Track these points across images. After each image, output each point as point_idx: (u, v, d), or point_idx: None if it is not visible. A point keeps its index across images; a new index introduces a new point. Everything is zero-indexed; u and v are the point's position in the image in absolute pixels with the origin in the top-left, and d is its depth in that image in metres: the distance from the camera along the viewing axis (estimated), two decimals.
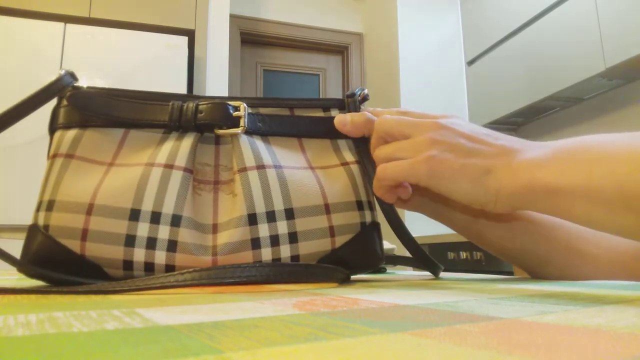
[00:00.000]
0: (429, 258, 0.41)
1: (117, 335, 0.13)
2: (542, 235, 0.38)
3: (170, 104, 0.36)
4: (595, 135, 0.29)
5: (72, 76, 0.36)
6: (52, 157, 0.34)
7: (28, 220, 0.34)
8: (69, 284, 0.30)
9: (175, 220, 0.32)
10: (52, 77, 0.35)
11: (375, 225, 0.38)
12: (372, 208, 0.38)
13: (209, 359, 0.10)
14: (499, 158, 0.31)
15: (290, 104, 0.39)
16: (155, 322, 0.16)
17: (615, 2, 1.60)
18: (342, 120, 0.39)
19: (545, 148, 0.30)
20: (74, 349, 0.11)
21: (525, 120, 2.25)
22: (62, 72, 0.36)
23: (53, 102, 0.36)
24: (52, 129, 0.36)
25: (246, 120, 0.36)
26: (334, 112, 0.40)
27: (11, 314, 0.17)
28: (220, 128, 0.36)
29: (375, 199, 0.38)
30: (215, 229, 0.34)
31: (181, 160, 0.34)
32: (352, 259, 0.36)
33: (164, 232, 0.32)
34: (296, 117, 0.39)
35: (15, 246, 0.61)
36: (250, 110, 0.37)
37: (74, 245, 0.31)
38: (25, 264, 0.31)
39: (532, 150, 0.31)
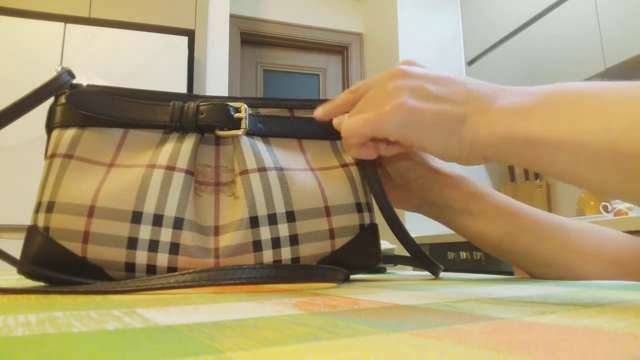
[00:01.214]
0: (428, 258, 0.41)
1: (117, 335, 0.13)
2: (541, 236, 0.38)
3: (171, 104, 0.36)
4: (586, 82, 0.26)
5: (70, 74, 0.36)
6: (51, 156, 0.34)
7: (28, 220, 0.33)
8: (69, 284, 0.30)
9: (178, 223, 0.32)
10: (50, 76, 0.35)
11: (373, 227, 0.38)
12: (370, 209, 0.38)
13: (209, 359, 0.10)
14: (473, 104, 0.29)
15: (290, 104, 0.39)
16: (155, 322, 0.16)
17: (615, 2, 1.60)
18: (340, 119, 0.39)
19: (526, 94, 0.28)
20: (74, 349, 0.11)
21: None
22: (60, 69, 0.35)
23: (51, 100, 0.36)
24: (49, 127, 0.35)
25: (247, 121, 0.36)
26: None
27: (11, 314, 0.17)
28: (222, 129, 0.36)
29: (373, 200, 0.38)
30: (216, 231, 0.34)
31: (182, 162, 0.34)
32: (351, 260, 0.36)
33: (166, 235, 0.32)
34: (296, 118, 0.39)
35: (15, 246, 0.61)
36: (250, 111, 0.37)
37: (75, 247, 0.31)
38: (25, 265, 0.31)
39: (511, 97, 0.28)
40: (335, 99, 0.38)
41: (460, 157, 0.30)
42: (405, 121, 0.30)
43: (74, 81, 0.36)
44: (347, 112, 0.37)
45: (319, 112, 0.38)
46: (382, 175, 0.43)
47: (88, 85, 0.36)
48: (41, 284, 0.33)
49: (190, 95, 0.37)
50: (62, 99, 0.35)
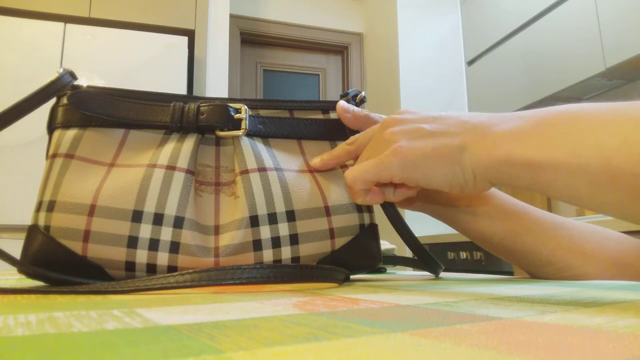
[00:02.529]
0: (430, 256, 0.41)
1: (117, 335, 0.13)
2: (543, 236, 0.38)
3: (172, 104, 0.36)
4: (578, 104, 0.27)
5: (72, 75, 0.36)
6: (52, 156, 0.34)
7: (28, 220, 0.34)
8: (69, 284, 0.30)
9: (178, 222, 0.32)
10: (52, 77, 0.35)
11: (373, 227, 0.38)
12: (370, 210, 0.38)
13: (209, 359, 0.10)
14: (470, 133, 0.30)
15: (290, 106, 0.39)
16: (155, 322, 0.16)
17: (615, 2, 1.60)
18: (345, 106, 0.39)
19: (522, 118, 0.28)
20: (74, 349, 0.11)
21: None
22: (62, 71, 0.35)
23: (53, 100, 0.36)
24: (51, 128, 0.36)
25: (247, 122, 0.36)
26: (333, 115, 0.40)
27: (11, 314, 0.17)
28: (222, 130, 0.36)
29: None
30: (217, 230, 0.34)
31: (183, 161, 0.34)
32: (351, 260, 0.36)
33: (166, 234, 0.32)
34: (296, 119, 0.39)
35: (15, 246, 0.61)
36: (250, 112, 0.38)
37: (75, 246, 0.31)
38: (26, 265, 0.31)
39: (507, 122, 0.29)
40: (333, 150, 0.38)
41: (466, 185, 0.30)
42: (406, 162, 0.31)
43: (76, 82, 0.36)
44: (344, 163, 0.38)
45: (316, 162, 0.38)
46: None
47: (89, 86, 0.36)
48: (41, 284, 0.33)
49: (190, 96, 0.37)
50: (64, 100, 0.35)
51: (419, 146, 0.31)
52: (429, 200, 0.42)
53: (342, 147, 0.38)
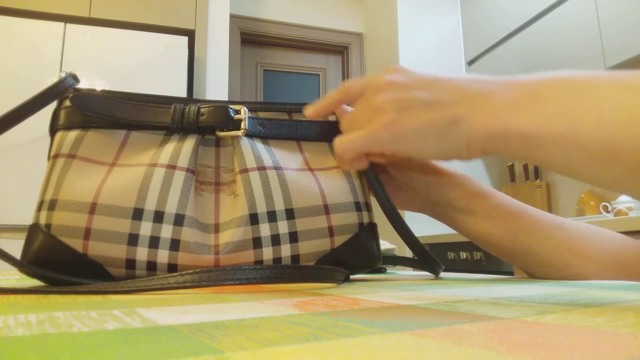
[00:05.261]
0: (430, 256, 0.41)
1: (117, 335, 0.13)
2: (541, 236, 0.38)
3: (172, 106, 0.36)
4: (581, 73, 0.25)
5: (75, 78, 0.37)
6: (54, 157, 0.34)
7: (28, 220, 0.34)
8: (69, 284, 0.30)
9: (178, 220, 0.33)
10: (53, 78, 0.35)
11: (372, 226, 0.38)
12: (369, 209, 0.38)
13: (209, 359, 0.10)
14: (465, 104, 0.29)
15: (289, 108, 0.40)
16: (155, 322, 0.16)
17: (615, 2, 1.60)
18: (307, 110, 0.39)
19: (520, 87, 0.27)
20: (74, 349, 0.11)
21: None
22: (64, 74, 0.36)
23: (54, 103, 0.36)
24: (53, 129, 0.36)
25: (247, 123, 0.37)
26: (331, 117, 0.41)
27: (11, 314, 0.17)
28: (222, 130, 0.36)
29: (373, 198, 0.39)
30: (217, 228, 0.34)
31: (183, 161, 0.34)
32: (351, 259, 0.37)
33: (166, 231, 0.32)
34: (295, 121, 0.40)
35: (15, 246, 0.61)
36: (250, 114, 0.38)
37: (76, 244, 0.31)
38: (26, 264, 0.31)
39: (504, 91, 0.28)
40: (325, 99, 0.38)
41: (459, 154, 0.30)
42: (398, 134, 0.30)
43: (78, 85, 0.37)
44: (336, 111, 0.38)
45: (309, 111, 0.38)
46: (385, 177, 0.43)
47: (90, 89, 0.36)
48: (41, 284, 0.33)
49: (191, 99, 0.38)
50: (67, 102, 0.36)
51: (410, 119, 0.30)
52: (429, 200, 0.42)
53: (334, 94, 0.37)
